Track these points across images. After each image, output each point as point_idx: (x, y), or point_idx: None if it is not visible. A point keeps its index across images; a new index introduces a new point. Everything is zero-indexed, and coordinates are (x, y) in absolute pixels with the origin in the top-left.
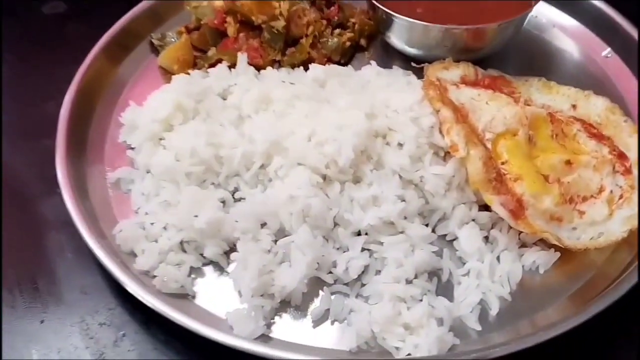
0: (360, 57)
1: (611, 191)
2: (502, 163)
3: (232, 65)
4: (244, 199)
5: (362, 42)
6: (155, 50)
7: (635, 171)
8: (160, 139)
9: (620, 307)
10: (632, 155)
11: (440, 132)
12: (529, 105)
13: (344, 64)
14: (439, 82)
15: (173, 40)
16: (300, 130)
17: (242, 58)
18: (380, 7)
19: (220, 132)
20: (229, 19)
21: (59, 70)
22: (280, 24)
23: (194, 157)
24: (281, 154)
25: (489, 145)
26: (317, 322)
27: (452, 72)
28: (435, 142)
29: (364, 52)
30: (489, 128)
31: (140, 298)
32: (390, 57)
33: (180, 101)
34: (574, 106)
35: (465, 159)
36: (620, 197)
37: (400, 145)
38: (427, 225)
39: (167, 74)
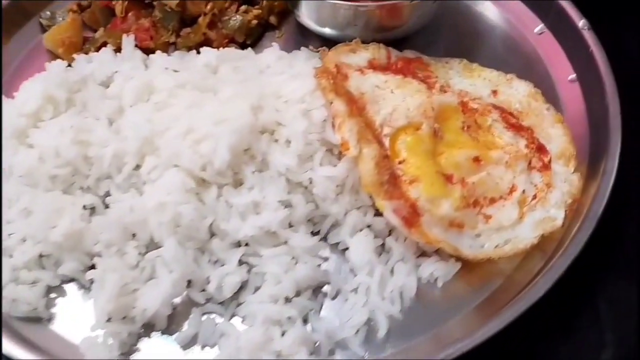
0: (271, 36)
1: (524, 191)
2: (400, 162)
3: (119, 49)
4: None
5: (273, 20)
6: (45, 30)
7: (554, 166)
8: (27, 137)
9: (528, 318)
10: (553, 147)
11: (333, 126)
12: (445, 91)
13: (250, 46)
14: (337, 68)
15: (62, 20)
16: (176, 125)
17: (127, 41)
18: None
19: (91, 128)
20: None
21: None
22: (173, 1)
23: (59, 157)
24: (155, 153)
25: (387, 142)
26: (185, 348)
27: (359, 56)
28: (328, 139)
29: (275, 30)
30: (388, 122)
31: None
32: (305, 36)
33: (51, 93)
34: (494, 92)
35: (357, 159)
36: (534, 197)
37: (288, 142)
38: (318, 232)
39: (56, 57)
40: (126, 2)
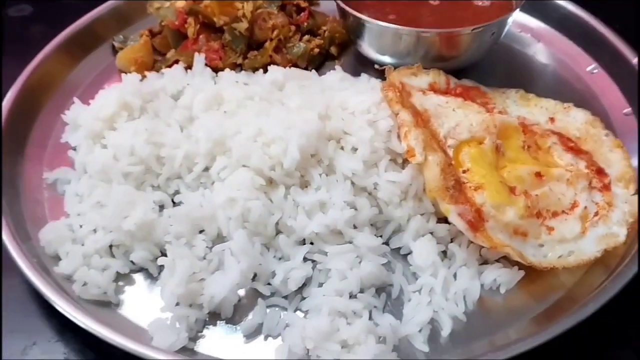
0: (331, 65)
1: (585, 207)
2: (464, 171)
3: (190, 67)
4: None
5: (333, 50)
6: (117, 53)
7: (614, 188)
8: (103, 138)
9: (587, 328)
10: (613, 171)
11: (399, 136)
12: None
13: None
14: (402, 85)
15: (134, 43)
16: (246, 129)
17: (198, 59)
18: (350, 11)
19: (164, 131)
20: (190, 20)
21: (17, 71)
22: (242, 25)
23: (132, 156)
24: (225, 154)
25: (450, 153)
26: (249, 337)
27: (420, 79)
28: (393, 148)
29: (334, 60)
30: (451, 134)
31: (51, 302)
32: (362, 66)
33: (126, 99)
34: (551, 119)
35: (422, 165)
36: (596, 214)
37: (354, 149)
38: (380, 237)
39: None
40: (198, 26)
